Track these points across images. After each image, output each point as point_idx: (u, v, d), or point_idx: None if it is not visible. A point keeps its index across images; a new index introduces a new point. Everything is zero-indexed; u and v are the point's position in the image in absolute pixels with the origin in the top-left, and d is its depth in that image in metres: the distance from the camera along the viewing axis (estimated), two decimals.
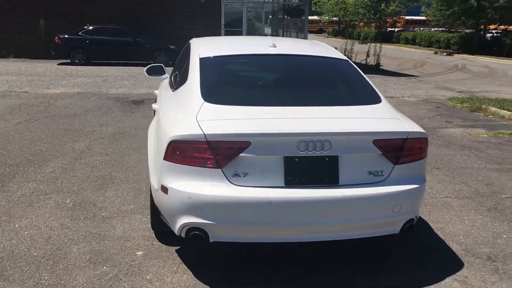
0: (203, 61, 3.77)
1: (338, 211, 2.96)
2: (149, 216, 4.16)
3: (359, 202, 2.96)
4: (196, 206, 2.93)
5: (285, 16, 23.90)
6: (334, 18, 59.81)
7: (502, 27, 41.73)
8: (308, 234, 3.05)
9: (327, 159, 2.98)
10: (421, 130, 3.20)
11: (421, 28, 53.37)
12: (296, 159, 2.95)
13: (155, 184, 3.29)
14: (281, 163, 2.95)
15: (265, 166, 2.95)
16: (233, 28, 21.21)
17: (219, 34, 20.62)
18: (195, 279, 3.21)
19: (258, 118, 3.04)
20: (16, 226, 3.97)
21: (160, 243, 3.71)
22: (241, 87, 3.73)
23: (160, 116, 3.61)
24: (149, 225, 3.99)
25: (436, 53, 33.20)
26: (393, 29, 52.36)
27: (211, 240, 3.04)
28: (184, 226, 3.03)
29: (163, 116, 3.50)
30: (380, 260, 3.55)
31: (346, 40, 24.03)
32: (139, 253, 3.56)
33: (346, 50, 20.17)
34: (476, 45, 32.16)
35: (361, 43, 43.08)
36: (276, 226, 2.96)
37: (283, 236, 3.04)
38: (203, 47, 4.20)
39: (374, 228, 3.12)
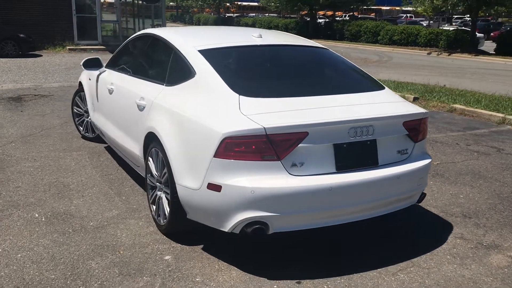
0: (206, 54, 3.67)
1: (380, 189, 3.23)
2: (144, 220, 3.95)
3: (396, 179, 3.27)
4: (260, 200, 2.93)
5: (139, 2, 23.11)
6: (171, 3, 59.33)
7: (327, 12, 46.03)
8: (356, 214, 3.26)
9: (368, 143, 3.22)
10: (426, 110, 3.62)
11: (255, 14, 55.94)
12: (345, 145, 3.13)
13: (192, 184, 3.17)
14: (331, 150, 3.10)
15: (318, 154, 3.07)
16: (86, 14, 19.89)
17: (70, 21, 19.16)
18: (246, 273, 3.19)
19: (309, 109, 3.13)
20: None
21: (180, 244, 3.57)
22: (262, 78, 3.71)
23: (175, 112, 3.42)
24: (153, 228, 3.80)
25: None
26: (230, 14, 53.95)
27: (270, 232, 3.07)
28: (241, 222, 3.01)
29: (185, 111, 3.33)
30: (386, 236, 3.91)
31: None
32: (167, 257, 3.39)
33: None
34: (311, 29, 34.99)
35: None
36: (332, 211, 3.12)
37: (336, 218, 3.20)
38: (188, 39, 4.07)
39: (402, 201, 3.47)
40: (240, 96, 3.18)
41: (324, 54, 4.21)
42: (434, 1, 25.04)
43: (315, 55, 4.20)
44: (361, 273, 3.23)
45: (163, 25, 21.47)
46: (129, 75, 4.56)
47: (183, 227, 3.58)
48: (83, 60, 5.28)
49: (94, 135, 6.21)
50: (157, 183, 3.76)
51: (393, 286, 3.09)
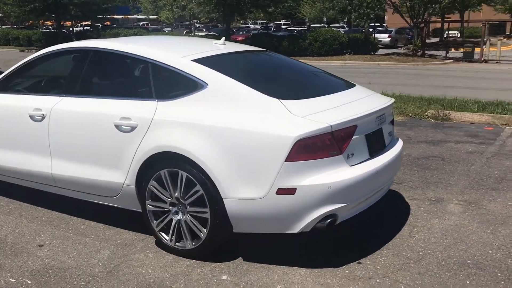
0: (204, 63, 3.55)
1: (393, 167, 3.75)
2: (151, 251, 3.60)
3: (399, 157, 3.85)
4: (335, 194, 3.10)
5: None
6: None
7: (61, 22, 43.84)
8: (381, 193, 3.70)
9: (379, 129, 3.68)
10: None
11: None
12: (371, 134, 3.53)
13: (253, 194, 3.12)
14: (363, 139, 3.46)
15: (358, 144, 3.38)
16: None
17: None
18: (312, 268, 3.29)
19: (342, 105, 3.41)
20: None
21: (218, 263, 3.39)
22: (273, 82, 3.72)
23: (207, 126, 3.22)
24: (171, 256, 3.50)
25: (22, 51, 32.12)
26: None
27: (337, 223, 3.27)
28: (316, 219, 3.12)
29: (223, 123, 3.18)
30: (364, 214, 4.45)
31: None
32: (225, 277, 3.23)
33: None
34: (62, 40, 32.89)
35: None
36: (373, 192, 3.50)
37: (372, 199, 3.57)
38: (165, 50, 3.81)
39: (394, 176, 4.06)
40: (281, 100, 3.24)
41: (285, 58, 4.50)
42: (174, 9, 26.62)
43: (281, 58, 4.44)
44: (391, 242, 3.71)
45: None
46: (74, 96, 3.91)
47: (222, 243, 3.44)
48: None
49: None
50: (171, 207, 3.47)
51: (421, 245, 3.66)
